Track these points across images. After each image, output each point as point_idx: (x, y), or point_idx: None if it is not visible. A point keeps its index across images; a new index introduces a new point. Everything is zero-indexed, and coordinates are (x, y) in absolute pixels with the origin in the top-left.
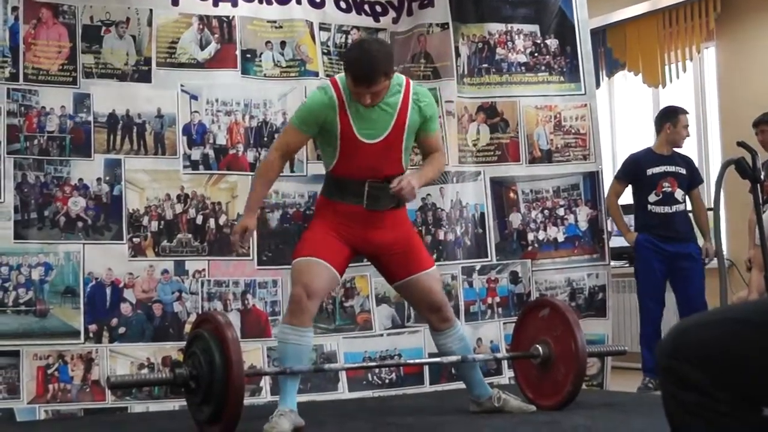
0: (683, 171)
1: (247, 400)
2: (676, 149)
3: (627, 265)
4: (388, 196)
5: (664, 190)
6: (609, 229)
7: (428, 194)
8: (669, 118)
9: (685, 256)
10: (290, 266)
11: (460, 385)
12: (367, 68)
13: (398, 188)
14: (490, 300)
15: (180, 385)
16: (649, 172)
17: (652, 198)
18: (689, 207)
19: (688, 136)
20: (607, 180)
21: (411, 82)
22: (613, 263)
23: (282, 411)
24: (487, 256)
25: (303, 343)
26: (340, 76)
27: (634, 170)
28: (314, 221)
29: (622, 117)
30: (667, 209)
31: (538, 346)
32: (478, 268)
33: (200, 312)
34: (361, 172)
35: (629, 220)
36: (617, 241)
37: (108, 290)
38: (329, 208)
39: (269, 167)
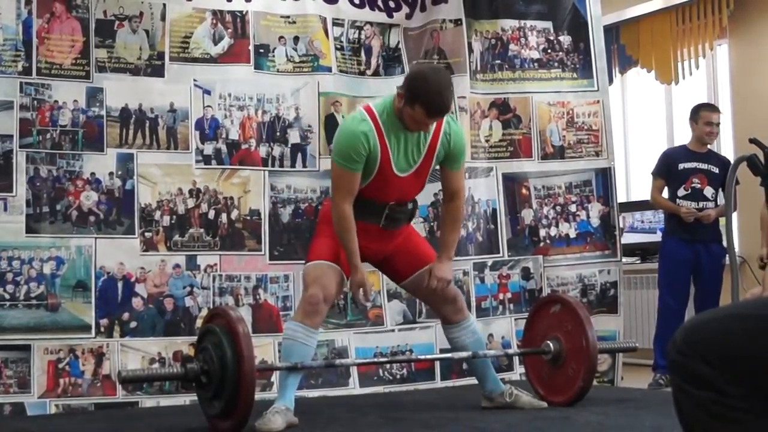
0: (716, 170)
1: (258, 395)
2: (713, 148)
3: (638, 261)
4: (406, 217)
5: (693, 185)
6: (621, 225)
7: (440, 190)
8: (692, 115)
9: (710, 256)
10: (302, 261)
11: (472, 380)
12: (447, 103)
13: (437, 287)
14: (501, 296)
15: (191, 380)
16: (681, 166)
17: (680, 192)
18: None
19: (712, 133)
20: (620, 176)
21: (445, 117)
22: (624, 260)
23: (278, 408)
24: (498, 252)
25: (311, 345)
26: (375, 103)
27: (666, 164)
28: (324, 226)
29: (634, 113)
30: (694, 205)
31: (549, 342)
32: (489, 263)
33: (211, 307)
34: (387, 198)
35: (653, 215)
36: (629, 238)
37: (120, 284)
38: None
39: (347, 218)
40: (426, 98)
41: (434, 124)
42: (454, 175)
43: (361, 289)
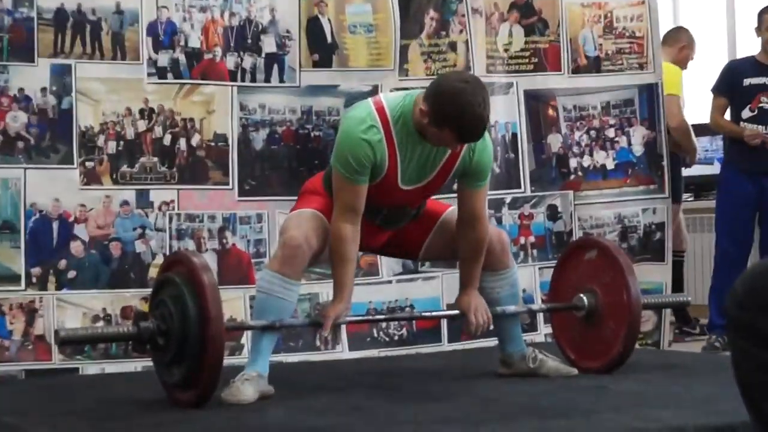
0: None
1: (226, 360)
2: None
3: (691, 198)
4: (409, 216)
5: (761, 105)
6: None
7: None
8: (758, 20)
9: None
10: (278, 198)
11: (486, 342)
12: (484, 126)
13: (476, 329)
14: (523, 240)
15: (144, 342)
16: (747, 82)
17: (745, 114)
18: None
19: None
20: None
21: None
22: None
23: (248, 375)
24: (519, 187)
25: (289, 299)
26: (389, 102)
27: (730, 79)
28: (308, 195)
29: (688, 17)
30: (761, 129)
31: (582, 296)
32: (508, 201)
33: (168, 253)
34: (385, 205)
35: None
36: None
37: (55, 226)
38: (328, 198)
39: (346, 241)
40: (458, 123)
41: None
42: (474, 195)
43: (330, 324)
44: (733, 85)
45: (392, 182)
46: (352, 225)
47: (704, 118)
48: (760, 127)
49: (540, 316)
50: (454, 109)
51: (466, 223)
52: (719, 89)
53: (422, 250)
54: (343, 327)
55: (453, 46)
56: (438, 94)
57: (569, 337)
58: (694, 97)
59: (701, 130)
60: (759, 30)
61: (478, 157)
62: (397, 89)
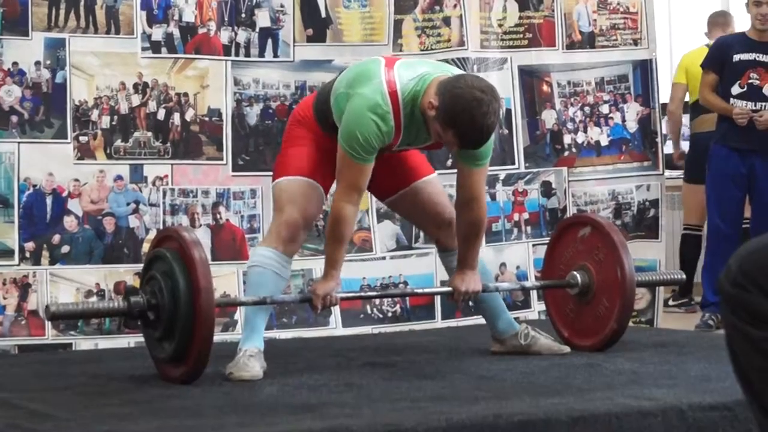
0: None
1: (218, 336)
2: None
3: (684, 175)
4: None
5: (750, 81)
6: (663, 131)
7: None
8: None
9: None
10: (271, 173)
11: (480, 320)
12: (487, 137)
13: (463, 299)
14: (516, 216)
15: (136, 317)
16: (736, 58)
17: (735, 90)
18: None
19: (762, 15)
20: (663, 70)
21: None
22: (668, 173)
23: (251, 351)
24: (513, 163)
25: (284, 276)
26: (403, 83)
27: (720, 55)
28: (297, 130)
29: None
30: (750, 106)
31: (575, 273)
32: (502, 177)
33: (161, 228)
34: None
35: None
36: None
37: (49, 200)
38: (317, 133)
39: (345, 222)
40: (464, 131)
41: None
42: (473, 175)
43: (325, 298)
44: (722, 61)
45: (388, 149)
46: (354, 206)
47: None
48: (749, 104)
49: (533, 294)
50: (465, 118)
51: (465, 203)
52: (709, 65)
53: (389, 198)
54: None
55: (447, 21)
56: (453, 96)
57: (562, 315)
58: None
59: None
60: (748, 5)
61: None
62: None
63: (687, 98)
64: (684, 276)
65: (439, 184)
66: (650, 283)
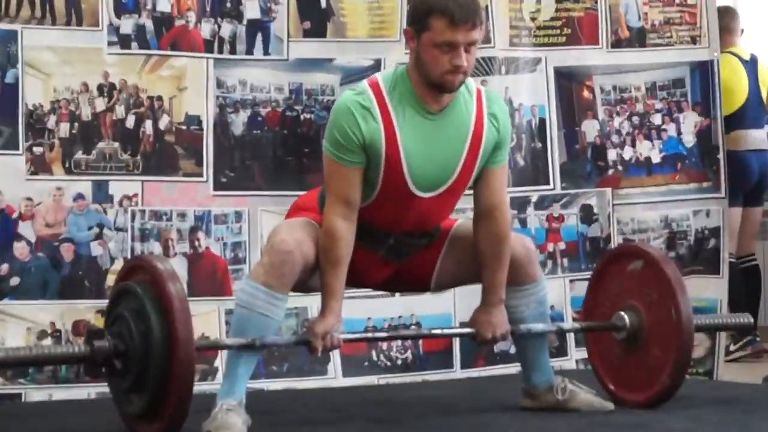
0: None
1: (195, 386)
2: None
3: None
4: (421, 245)
5: None
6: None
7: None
8: None
9: None
10: (261, 192)
11: (506, 369)
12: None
13: (490, 342)
14: (551, 246)
15: (99, 364)
16: None
17: None
18: None
19: None
20: None
21: (481, 89)
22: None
23: (229, 404)
24: (548, 183)
25: (274, 316)
26: (384, 75)
27: None
28: (298, 214)
29: None
30: None
31: (623, 314)
32: (535, 199)
33: (129, 256)
34: (395, 227)
35: None
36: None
37: None
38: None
39: (336, 237)
40: (440, 6)
41: (473, 98)
42: (493, 175)
43: (325, 338)
44: None
45: (399, 180)
46: (345, 220)
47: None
48: None
49: (571, 338)
50: None
51: (485, 213)
52: None
53: (434, 278)
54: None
55: None
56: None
57: (607, 363)
58: None
59: None
60: None
61: (503, 125)
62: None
63: None
64: (751, 319)
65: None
66: (710, 327)
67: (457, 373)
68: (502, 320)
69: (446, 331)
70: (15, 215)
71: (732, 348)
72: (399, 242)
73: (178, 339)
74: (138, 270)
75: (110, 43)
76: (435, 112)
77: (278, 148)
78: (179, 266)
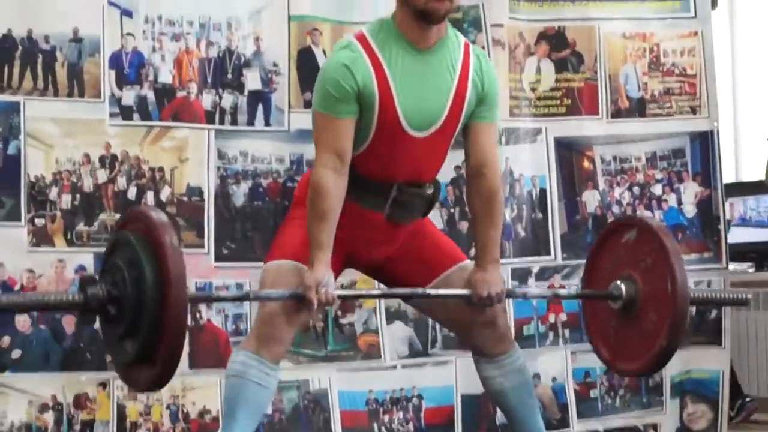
0: None
1: None
2: None
3: (753, 269)
4: (423, 203)
5: None
6: (727, 216)
7: (464, 161)
8: None
9: None
10: (262, 264)
11: None
12: None
13: (486, 304)
14: (552, 318)
15: (93, 311)
16: None
17: None
18: None
19: None
20: (725, 143)
21: (470, 44)
22: (733, 266)
23: None
24: (548, 254)
25: (268, 386)
26: (369, 26)
27: None
28: (299, 211)
29: (747, 50)
30: None
31: (619, 283)
32: (536, 270)
33: None
34: (394, 174)
35: None
36: (739, 235)
37: None
38: None
39: (324, 193)
40: None
41: (461, 46)
42: (484, 131)
43: (318, 291)
44: None
45: (393, 119)
46: (335, 173)
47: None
48: None
49: (572, 409)
50: None
51: (475, 170)
52: None
53: (432, 283)
54: (337, 417)
55: None
56: None
57: (604, 334)
58: (754, 147)
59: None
60: None
61: (489, 80)
62: None
63: None
64: (749, 296)
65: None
66: (708, 301)
67: None
68: (497, 279)
69: (441, 291)
70: (17, 287)
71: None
72: (401, 193)
73: (170, 284)
74: (134, 220)
75: (112, 115)
76: (423, 49)
77: (279, 219)
78: None
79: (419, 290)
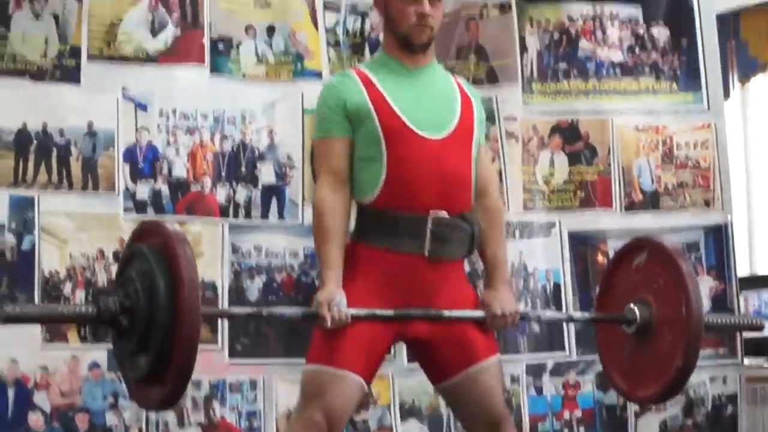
0: None
1: None
2: None
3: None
4: (466, 236)
5: None
6: (742, 310)
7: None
8: None
9: None
10: (276, 360)
11: None
12: None
13: (501, 326)
14: (567, 414)
15: (105, 322)
16: None
17: None
18: None
19: None
20: (740, 235)
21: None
22: (748, 361)
23: None
24: (563, 349)
25: None
26: (367, 63)
27: None
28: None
29: (760, 140)
30: None
31: (632, 306)
32: (549, 366)
33: (144, 427)
34: (422, 196)
35: None
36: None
37: (11, 393)
38: (367, 263)
39: (327, 212)
40: None
41: (451, 77)
42: (484, 151)
43: (331, 308)
44: None
45: (397, 123)
46: (334, 192)
47: None
48: None
49: None
50: None
51: (481, 190)
52: None
53: (449, 381)
54: None
55: None
56: None
57: (619, 361)
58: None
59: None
60: None
61: (479, 103)
62: None
63: None
64: (764, 324)
65: (499, 371)
66: (723, 326)
67: None
68: (511, 298)
69: (456, 313)
70: (30, 385)
71: None
72: (437, 225)
73: (183, 293)
74: (149, 234)
75: (126, 209)
76: (412, 68)
77: None
78: None
79: (432, 312)
